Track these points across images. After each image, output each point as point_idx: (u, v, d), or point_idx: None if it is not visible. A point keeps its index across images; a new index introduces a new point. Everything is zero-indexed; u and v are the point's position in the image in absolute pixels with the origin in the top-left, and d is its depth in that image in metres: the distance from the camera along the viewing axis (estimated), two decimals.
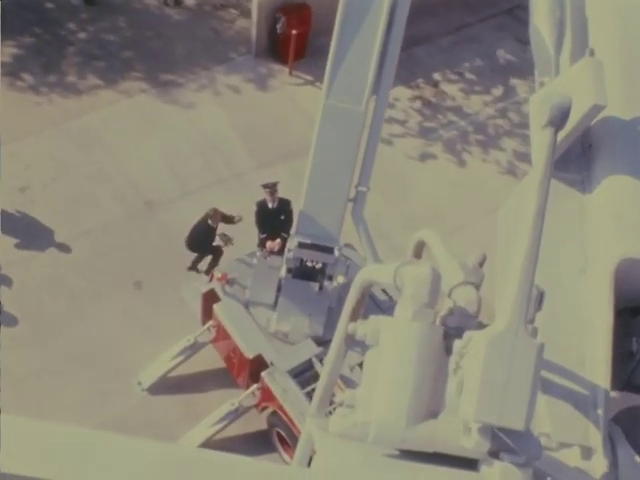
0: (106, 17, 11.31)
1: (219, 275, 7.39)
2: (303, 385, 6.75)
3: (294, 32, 10.52)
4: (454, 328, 2.36)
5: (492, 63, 11.41)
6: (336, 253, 6.84)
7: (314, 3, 10.71)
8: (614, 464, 2.52)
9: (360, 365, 5.89)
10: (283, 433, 7.07)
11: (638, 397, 2.91)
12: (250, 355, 7.05)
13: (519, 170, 9.99)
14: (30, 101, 10.09)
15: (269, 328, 7.23)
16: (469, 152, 10.32)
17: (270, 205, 7.74)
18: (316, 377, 6.34)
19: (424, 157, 10.21)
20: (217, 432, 7.21)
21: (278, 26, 10.77)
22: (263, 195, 7.82)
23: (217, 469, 1.91)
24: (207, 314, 7.62)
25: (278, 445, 7.30)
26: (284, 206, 7.70)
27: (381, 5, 5.83)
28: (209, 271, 8.14)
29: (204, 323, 7.69)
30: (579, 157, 3.17)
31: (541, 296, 2.45)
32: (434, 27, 11.25)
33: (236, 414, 7.20)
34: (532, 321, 2.30)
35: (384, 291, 7.13)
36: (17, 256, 8.60)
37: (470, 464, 2.22)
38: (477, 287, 2.54)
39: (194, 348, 7.67)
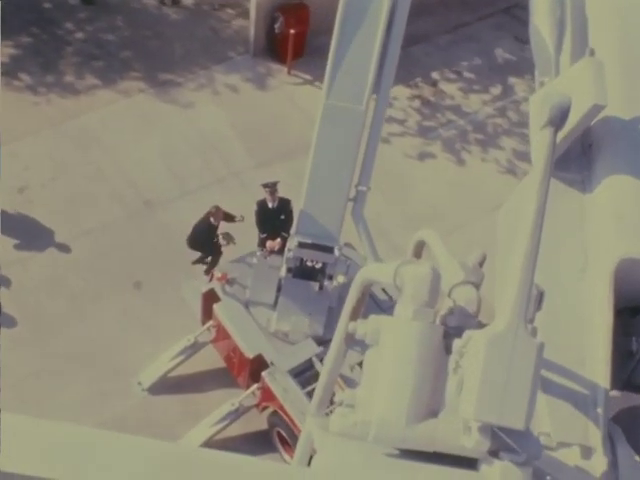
0: (104, 17, 11.29)
1: (219, 275, 7.38)
2: (304, 385, 6.74)
3: (292, 31, 10.52)
4: (454, 327, 2.36)
5: (490, 62, 11.42)
6: (336, 253, 6.84)
7: (312, 2, 10.71)
8: (614, 464, 2.52)
9: (360, 364, 5.89)
10: (284, 433, 7.07)
11: (638, 397, 2.92)
12: (250, 355, 7.05)
13: (518, 169, 10.00)
14: (28, 101, 10.08)
15: (269, 328, 7.23)
16: (468, 151, 10.33)
17: (270, 205, 7.73)
18: (316, 377, 6.30)
19: (423, 156, 10.22)
20: (218, 432, 7.21)
21: (276, 25, 10.76)
22: (262, 195, 7.82)
23: (217, 468, 1.91)
24: (207, 314, 7.62)
25: (279, 445, 7.30)
26: (284, 206, 7.70)
27: (381, 4, 5.82)
28: (209, 271, 8.14)
29: (204, 323, 7.69)
30: (579, 157, 3.17)
31: (541, 296, 2.45)
32: (432, 26, 11.26)
33: (236, 414, 7.19)
34: (532, 321, 2.30)
35: (384, 290, 7.13)
36: (16, 256, 8.59)
37: (470, 463, 2.22)
38: (477, 287, 2.54)
39: (194, 348, 7.66)
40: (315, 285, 7.22)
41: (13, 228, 8.59)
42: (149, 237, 8.97)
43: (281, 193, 7.79)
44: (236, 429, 7.38)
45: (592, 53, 2.99)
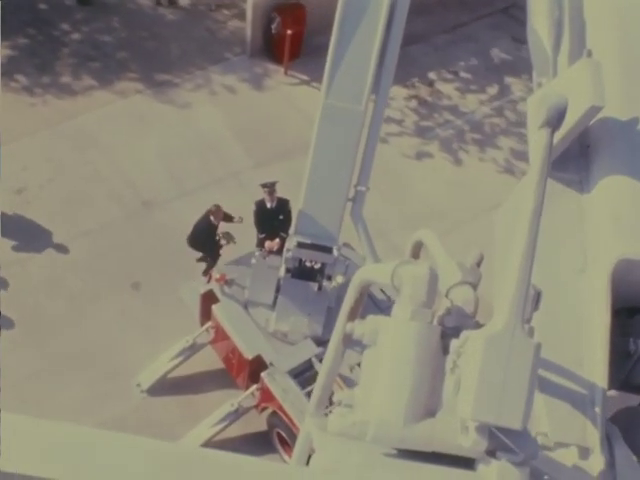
0: (100, 17, 11.28)
1: (217, 276, 7.37)
2: (303, 385, 6.74)
3: (289, 32, 10.52)
4: (451, 328, 2.38)
5: (487, 62, 11.44)
6: (335, 253, 6.83)
7: (309, 3, 10.71)
8: (611, 464, 2.53)
9: (359, 365, 5.90)
10: (283, 433, 7.06)
11: (635, 397, 2.93)
12: (249, 356, 7.04)
13: (516, 168, 10.02)
14: (24, 102, 10.06)
15: (268, 328, 7.23)
16: (466, 151, 10.35)
17: (269, 205, 7.72)
18: (316, 377, 6.32)
19: (421, 156, 10.23)
20: (217, 433, 7.20)
21: (273, 26, 10.76)
22: (261, 195, 7.81)
23: (216, 467, 1.92)
24: (206, 315, 7.60)
25: (278, 446, 7.29)
26: (283, 206, 7.69)
27: (381, 3, 5.80)
28: (207, 271, 8.13)
29: (203, 324, 7.67)
30: (577, 157, 3.18)
31: (538, 296, 2.46)
32: (429, 26, 11.27)
33: (236, 415, 7.18)
34: (529, 321, 2.32)
35: (382, 291, 7.14)
36: (14, 257, 8.57)
37: (468, 463, 2.23)
38: (474, 287, 2.56)
39: (193, 349, 7.65)
40: (314, 285, 7.21)
41: (11, 229, 8.57)
42: (147, 238, 8.96)
43: (279, 193, 7.79)
44: (235, 430, 7.37)
45: (590, 54, 3.01)
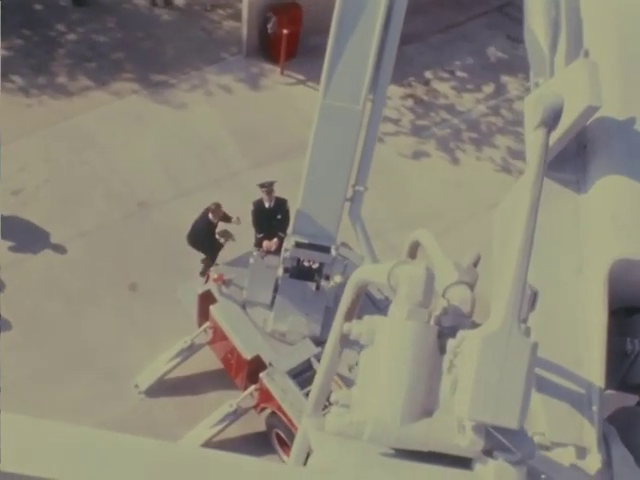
0: (96, 18, 11.25)
1: (215, 276, 7.36)
2: (302, 386, 6.73)
3: (285, 31, 10.51)
4: (448, 327, 2.38)
5: (483, 61, 11.46)
6: (333, 253, 6.83)
7: (305, 2, 10.70)
8: (608, 463, 2.54)
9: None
10: (282, 434, 7.05)
11: (633, 397, 2.94)
12: (248, 356, 7.03)
13: (513, 167, 10.04)
14: (20, 103, 10.03)
15: (266, 328, 7.22)
16: (462, 150, 10.36)
17: (267, 204, 7.72)
18: None
19: (417, 155, 10.24)
20: (216, 434, 7.19)
21: (269, 26, 10.75)
22: (258, 194, 7.80)
23: (214, 467, 1.92)
24: (203, 315, 7.59)
25: (277, 446, 7.28)
26: (281, 205, 7.69)
27: (378, 3, 5.80)
28: (205, 271, 8.12)
29: (200, 324, 7.66)
30: (574, 157, 3.18)
31: (535, 296, 2.47)
32: (425, 25, 11.29)
33: (235, 415, 7.17)
34: (525, 320, 2.33)
35: (379, 290, 7.14)
36: (11, 259, 8.55)
37: (465, 463, 2.23)
38: (471, 287, 2.56)
39: (191, 350, 7.63)
40: (312, 285, 7.20)
41: (9, 230, 8.54)
42: (144, 238, 8.94)
43: (277, 193, 7.78)
44: (234, 431, 7.36)
45: (586, 54, 3.01)
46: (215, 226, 7.82)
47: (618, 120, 3.08)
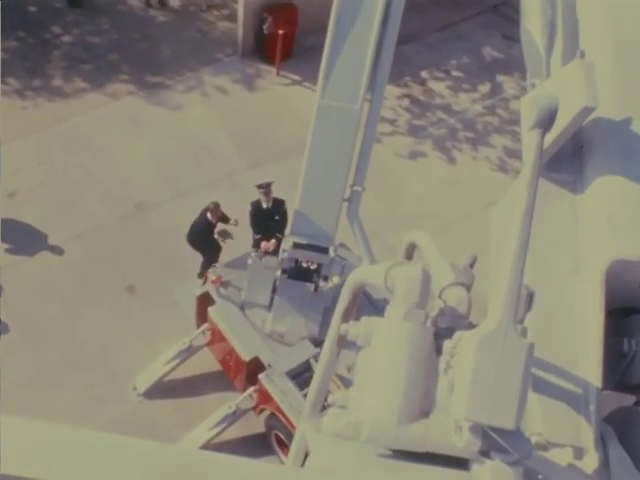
0: (91, 20, 11.23)
1: (213, 277, 7.35)
2: (301, 387, 6.72)
3: (281, 32, 10.51)
4: (445, 328, 2.39)
5: (479, 60, 11.48)
6: (331, 253, 6.82)
7: (300, 2, 10.70)
8: (605, 464, 2.54)
9: None
10: (281, 435, 7.04)
11: (630, 397, 2.95)
12: (247, 357, 7.02)
13: (509, 166, 10.06)
14: (16, 105, 10.00)
15: (264, 329, 7.21)
16: (459, 149, 10.38)
17: (264, 205, 7.71)
18: None
19: (414, 155, 10.25)
20: (215, 436, 7.18)
21: (265, 26, 10.75)
22: (254, 195, 7.80)
23: (211, 468, 1.92)
24: (202, 317, 7.58)
25: (276, 447, 7.27)
26: (278, 206, 7.68)
27: (376, 2, 5.78)
28: (202, 272, 8.11)
29: (199, 326, 7.65)
30: (571, 158, 3.18)
31: (531, 296, 2.48)
32: (421, 25, 11.30)
33: (234, 417, 7.16)
34: (522, 321, 2.34)
35: (378, 290, 7.13)
36: (8, 261, 8.52)
37: (462, 463, 2.23)
38: (467, 288, 2.56)
39: (189, 351, 7.62)
40: (310, 286, 7.20)
41: (5, 233, 8.52)
42: (141, 240, 8.92)
43: (274, 194, 7.78)
44: (233, 432, 7.35)
45: (582, 55, 3.01)
46: (214, 226, 7.81)
47: (615, 121, 3.08)
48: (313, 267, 7.08)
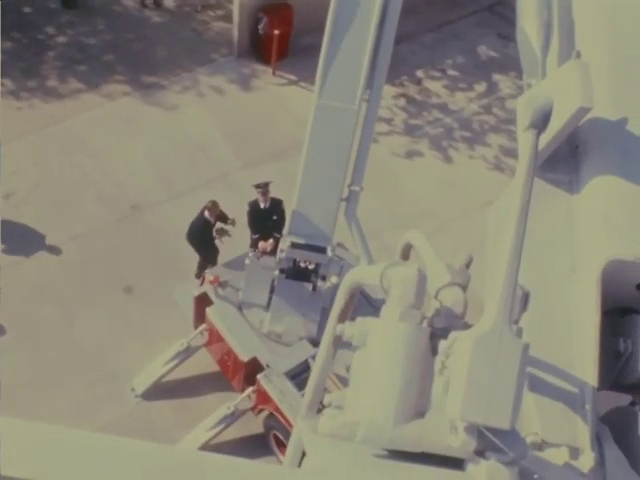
0: (85, 20, 11.21)
1: (211, 278, 7.34)
2: (300, 387, 6.72)
3: (276, 32, 10.51)
4: (440, 329, 2.39)
5: (475, 59, 11.50)
6: (329, 253, 6.82)
7: (296, 3, 10.70)
8: (601, 464, 2.54)
9: None
10: (280, 436, 7.04)
11: (626, 397, 2.96)
12: (245, 358, 7.01)
13: (505, 165, 10.08)
14: (11, 106, 9.96)
15: (262, 329, 7.21)
16: (455, 148, 10.39)
17: (262, 205, 7.70)
18: None
19: (411, 154, 10.27)
20: (214, 436, 7.17)
21: (260, 26, 10.74)
22: (250, 195, 7.79)
23: (208, 469, 1.91)
24: (200, 317, 7.57)
25: (275, 448, 7.27)
26: (276, 206, 7.67)
27: (373, 2, 5.77)
28: (200, 272, 8.10)
29: (197, 327, 7.64)
30: (567, 158, 3.19)
31: (526, 296, 2.48)
32: (416, 24, 11.30)
33: (232, 418, 7.16)
34: (517, 321, 2.34)
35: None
36: (4, 263, 8.49)
37: (457, 463, 2.24)
38: (463, 288, 2.56)
39: (187, 352, 7.61)
40: (308, 286, 7.20)
41: (1, 234, 8.48)
42: (137, 241, 8.91)
43: (271, 193, 7.77)
44: (232, 433, 7.35)
45: (578, 55, 3.02)
46: (212, 225, 7.79)
47: (610, 121, 3.09)
48: (311, 267, 7.07)
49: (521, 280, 2.36)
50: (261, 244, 7.58)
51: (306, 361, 6.92)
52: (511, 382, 2.10)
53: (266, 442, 7.32)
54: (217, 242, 7.94)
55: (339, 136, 6.18)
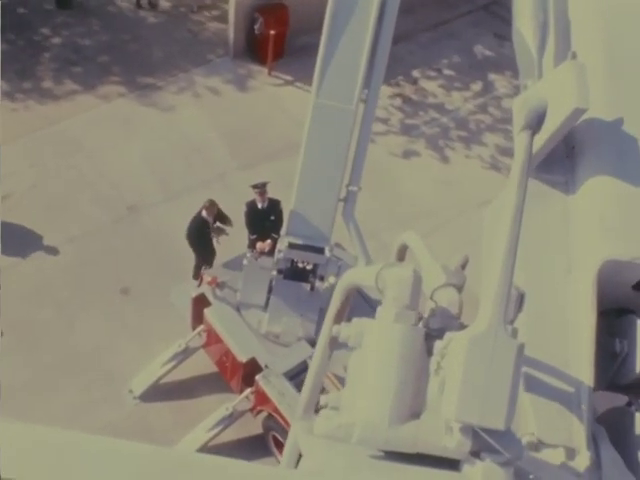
0: (80, 21, 11.18)
1: (209, 279, 7.33)
2: (299, 387, 6.71)
3: (272, 32, 10.50)
4: (436, 329, 2.39)
5: (470, 59, 11.52)
6: (327, 253, 6.81)
7: (291, 3, 10.70)
8: (597, 465, 2.55)
9: None
10: (279, 437, 7.02)
11: (622, 397, 2.97)
12: (243, 359, 7.00)
13: (501, 164, 10.10)
14: (6, 108, 9.94)
15: (260, 329, 7.20)
16: (452, 148, 10.41)
17: (260, 205, 7.69)
18: None
19: (407, 154, 10.27)
20: (212, 438, 7.16)
21: (256, 26, 10.74)
22: (247, 196, 7.78)
23: (204, 471, 1.91)
24: (197, 319, 7.56)
25: (274, 449, 7.26)
26: (274, 206, 7.66)
27: (371, 2, 5.75)
28: (197, 272, 8.09)
29: (194, 328, 7.63)
30: (563, 159, 3.19)
31: (521, 297, 2.49)
32: (412, 24, 11.31)
33: (231, 419, 7.14)
34: (512, 322, 2.37)
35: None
36: (1, 264, 8.46)
37: (452, 464, 2.24)
38: (459, 289, 2.57)
39: (185, 354, 7.59)
40: (306, 286, 7.19)
41: None
42: (134, 242, 8.90)
43: (268, 194, 7.76)
44: (231, 434, 7.34)
45: (574, 56, 3.03)
46: (209, 224, 7.78)
47: (606, 122, 3.09)
48: (309, 267, 7.07)
49: (517, 281, 2.36)
50: (259, 244, 7.57)
51: (305, 361, 6.90)
52: (506, 383, 2.10)
53: (265, 443, 7.31)
54: (214, 242, 7.92)
55: (337, 136, 6.17)
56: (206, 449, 7.07)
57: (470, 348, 2.14)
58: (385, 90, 10.59)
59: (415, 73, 11.19)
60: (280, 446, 7.15)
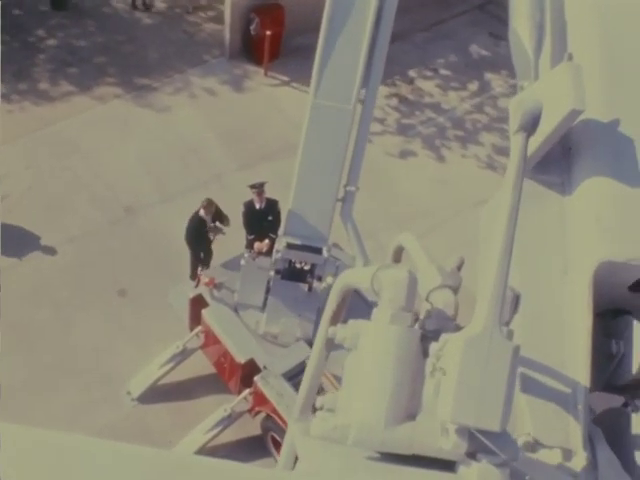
0: (76, 23, 11.17)
1: (206, 279, 7.33)
2: (298, 388, 6.71)
3: (268, 33, 10.50)
4: (432, 331, 2.39)
5: (466, 58, 11.53)
6: (325, 253, 6.80)
7: (287, 3, 10.70)
8: (594, 466, 2.55)
9: None
10: (278, 437, 7.02)
11: (618, 398, 2.99)
12: (242, 360, 7.00)
13: (498, 164, 10.12)
14: (2, 109, 9.92)
15: (258, 330, 7.21)
16: (448, 148, 10.42)
17: (257, 206, 7.68)
18: None
19: (404, 154, 10.29)
20: (211, 439, 7.16)
21: (252, 27, 10.74)
22: (244, 196, 7.78)
23: (200, 473, 1.91)
24: (195, 320, 7.56)
25: (273, 449, 7.26)
26: (272, 206, 7.65)
27: (368, 2, 5.75)
28: (193, 275, 8.09)
29: (192, 329, 7.62)
30: (559, 160, 3.19)
31: (517, 299, 2.50)
32: (408, 24, 11.31)
33: (229, 420, 7.14)
34: (508, 323, 2.34)
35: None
36: None
37: (448, 466, 2.24)
38: (454, 290, 2.56)
39: (183, 355, 7.59)
40: (304, 286, 7.20)
41: None
42: (131, 243, 8.89)
43: (266, 194, 7.76)
44: (229, 435, 7.35)
45: (570, 57, 3.04)
46: (207, 224, 7.77)
47: (603, 123, 3.10)
48: (307, 267, 7.07)
49: (513, 282, 2.36)
50: (257, 245, 7.57)
51: (303, 362, 6.91)
52: (501, 384, 2.11)
53: (264, 444, 7.31)
54: (211, 241, 7.91)
55: (335, 136, 6.16)
56: (204, 450, 7.08)
57: (466, 350, 2.14)
58: (381, 90, 10.55)
59: (411, 73, 11.20)
60: (279, 447, 7.15)
